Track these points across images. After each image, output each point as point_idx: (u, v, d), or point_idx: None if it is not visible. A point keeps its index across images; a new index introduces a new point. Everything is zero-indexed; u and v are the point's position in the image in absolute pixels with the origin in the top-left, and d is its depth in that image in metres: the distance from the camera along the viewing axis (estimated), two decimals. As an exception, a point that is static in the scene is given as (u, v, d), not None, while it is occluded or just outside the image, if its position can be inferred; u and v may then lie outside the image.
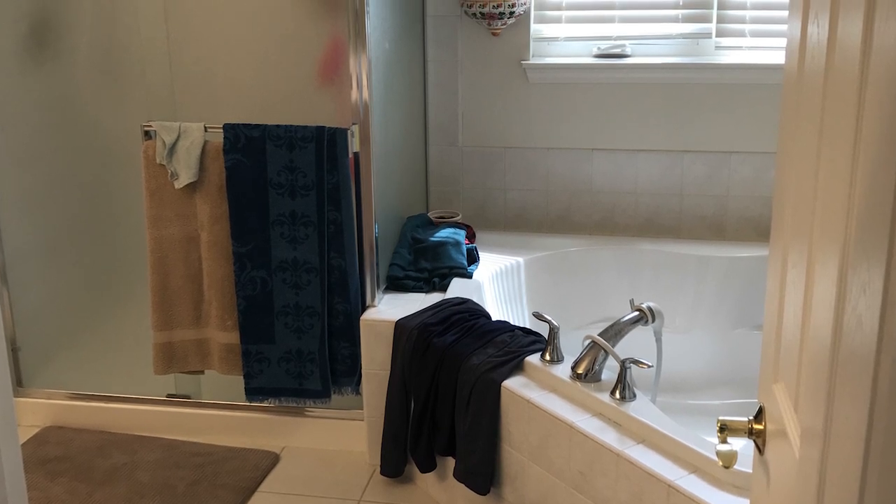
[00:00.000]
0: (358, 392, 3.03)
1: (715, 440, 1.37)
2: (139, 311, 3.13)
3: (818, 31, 1.10)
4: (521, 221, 3.63)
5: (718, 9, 3.37)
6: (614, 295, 3.25)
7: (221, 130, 2.89)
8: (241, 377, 3.02)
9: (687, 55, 3.42)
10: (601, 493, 2.27)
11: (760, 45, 3.37)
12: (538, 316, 2.67)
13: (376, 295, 3.00)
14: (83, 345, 3.44)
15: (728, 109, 3.38)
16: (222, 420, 3.18)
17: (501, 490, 2.61)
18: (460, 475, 2.64)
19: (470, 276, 3.13)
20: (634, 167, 3.49)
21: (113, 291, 3.44)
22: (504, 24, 3.38)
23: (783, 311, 1.25)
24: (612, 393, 2.39)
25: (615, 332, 2.64)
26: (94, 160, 3.32)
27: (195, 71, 3.16)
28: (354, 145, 2.89)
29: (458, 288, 3.03)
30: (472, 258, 3.24)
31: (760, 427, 1.33)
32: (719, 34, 3.40)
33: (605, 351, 2.49)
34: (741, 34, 3.38)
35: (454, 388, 2.64)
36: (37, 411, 3.29)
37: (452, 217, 3.50)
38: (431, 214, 3.50)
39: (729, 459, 1.35)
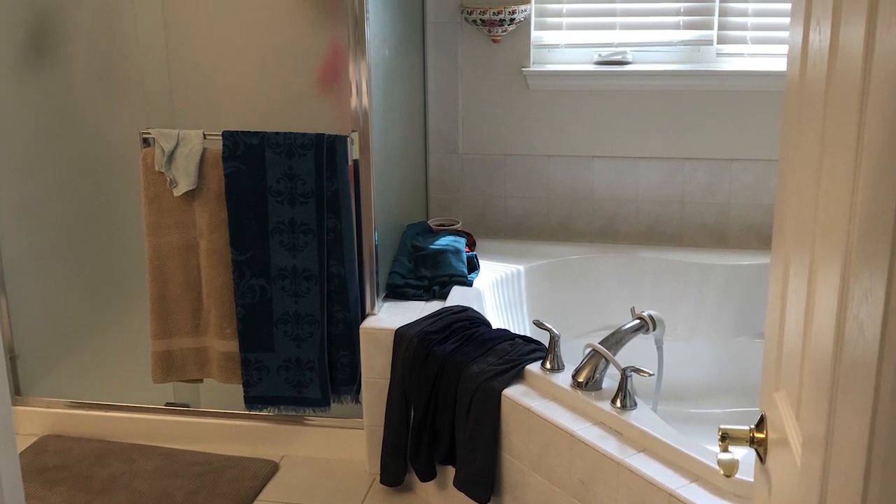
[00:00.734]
0: (358, 401, 3.02)
1: (716, 449, 1.37)
2: (138, 320, 3.12)
3: (820, 37, 1.10)
4: (522, 229, 3.62)
5: (720, 15, 3.37)
6: (615, 303, 3.24)
7: (220, 138, 2.88)
8: (241, 385, 3.01)
9: (688, 62, 3.41)
10: (602, 502, 2.26)
11: (762, 52, 3.37)
12: (539, 324, 2.66)
13: (376, 303, 2.99)
14: (82, 353, 3.43)
15: (729, 117, 3.37)
16: (221, 429, 3.17)
17: (502, 499, 2.60)
18: (460, 484, 2.63)
19: (470, 285, 3.12)
20: (635, 175, 3.48)
21: (111, 300, 3.43)
22: (504, 30, 3.38)
23: (785, 319, 1.25)
24: (613, 401, 2.38)
25: (616, 340, 2.63)
26: (93, 168, 3.32)
27: (194, 78, 3.16)
28: (354, 153, 2.88)
29: (458, 296, 3.02)
30: (473, 266, 3.23)
31: (762, 436, 1.32)
32: (720, 41, 3.40)
33: (606, 359, 2.48)
34: (742, 41, 3.38)
35: (454, 397, 2.63)
36: (35, 420, 3.28)
37: (452, 225, 3.49)
38: (431, 222, 3.50)
39: (730, 468, 1.34)
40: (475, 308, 2.93)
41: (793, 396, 1.19)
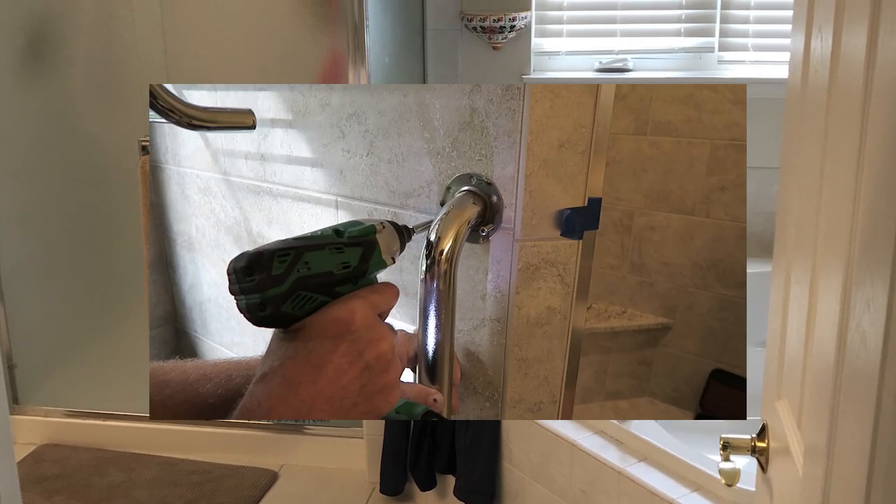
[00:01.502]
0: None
1: (717, 458, 1.36)
2: (136, 329, 3.11)
3: (822, 44, 1.09)
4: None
5: (721, 23, 3.36)
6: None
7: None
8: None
9: (689, 69, 3.41)
10: (602, 511, 2.25)
11: (763, 60, 3.36)
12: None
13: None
14: (80, 362, 3.42)
15: (729, 124, 3.37)
16: (220, 438, 3.16)
17: (502, 508, 2.59)
18: (461, 493, 2.62)
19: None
20: (635, 182, 3.47)
21: (110, 308, 3.42)
22: (505, 38, 3.38)
23: (786, 327, 1.24)
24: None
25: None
26: (91, 175, 3.31)
27: (193, 86, 3.15)
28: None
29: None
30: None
31: (763, 445, 1.31)
32: (722, 48, 3.39)
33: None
34: (744, 48, 3.38)
35: (454, 405, 2.62)
36: (33, 429, 3.27)
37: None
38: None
39: (732, 477, 1.34)
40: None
41: (794, 405, 1.18)
